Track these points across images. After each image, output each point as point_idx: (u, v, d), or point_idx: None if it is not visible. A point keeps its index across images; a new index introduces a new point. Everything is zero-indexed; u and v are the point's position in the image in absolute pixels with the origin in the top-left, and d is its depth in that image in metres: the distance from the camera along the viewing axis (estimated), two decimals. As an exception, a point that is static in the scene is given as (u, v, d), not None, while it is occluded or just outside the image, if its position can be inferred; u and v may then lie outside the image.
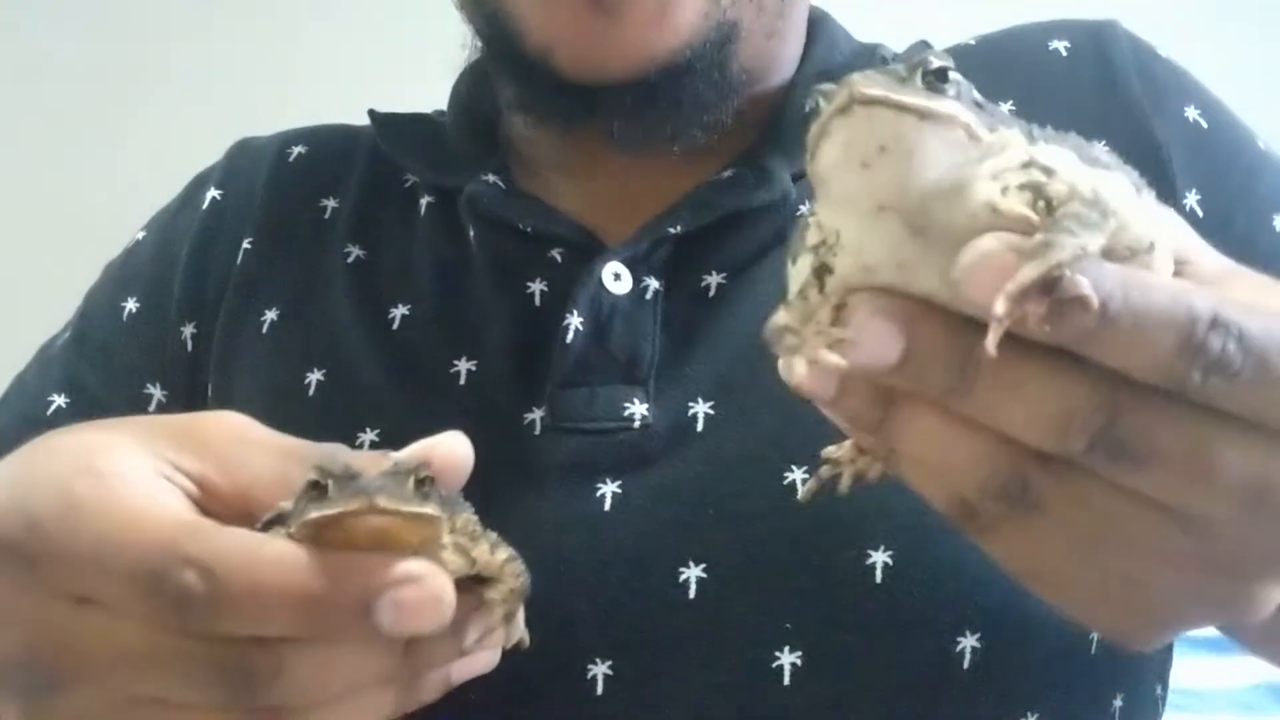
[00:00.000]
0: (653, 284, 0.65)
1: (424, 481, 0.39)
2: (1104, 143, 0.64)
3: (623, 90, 0.63)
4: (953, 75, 0.35)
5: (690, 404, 0.61)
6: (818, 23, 0.77)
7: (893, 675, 0.56)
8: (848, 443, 0.44)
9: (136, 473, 0.40)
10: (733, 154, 0.68)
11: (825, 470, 0.45)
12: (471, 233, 0.68)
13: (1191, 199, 0.66)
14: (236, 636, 0.38)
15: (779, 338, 0.37)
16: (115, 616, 0.38)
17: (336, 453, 0.44)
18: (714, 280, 0.65)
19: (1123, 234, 0.35)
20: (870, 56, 0.73)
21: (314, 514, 0.38)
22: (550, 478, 0.61)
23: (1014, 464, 0.36)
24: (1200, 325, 0.33)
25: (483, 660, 0.45)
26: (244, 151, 0.80)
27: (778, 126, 0.69)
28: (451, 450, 0.46)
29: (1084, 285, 0.32)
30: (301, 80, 1.94)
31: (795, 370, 0.36)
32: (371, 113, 0.76)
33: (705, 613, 0.57)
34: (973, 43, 0.75)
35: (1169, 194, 0.65)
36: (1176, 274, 0.39)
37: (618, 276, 0.65)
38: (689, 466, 0.60)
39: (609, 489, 0.60)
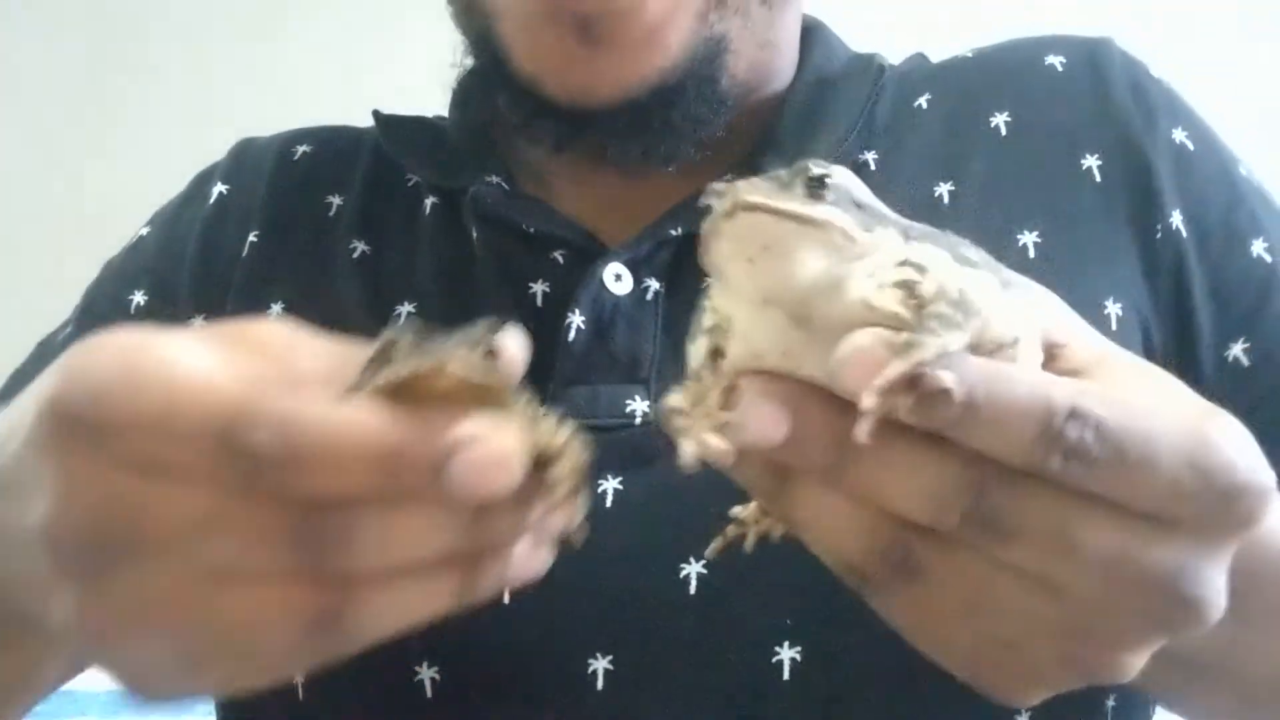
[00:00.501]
0: (654, 285, 0.66)
1: (491, 353, 0.38)
2: (1097, 157, 0.69)
3: (615, 113, 0.64)
4: (831, 182, 0.38)
5: None
6: (812, 30, 0.78)
7: (892, 671, 0.56)
8: (753, 504, 0.47)
9: (197, 348, 0.39)
10: (731, 160, 0.69)
11: (731, 529, 0.48)
12: (474, 233, 0.69)
13: (1177, 218, 0.67)
14: (306, 499, 0.37)
15: (670, 420, 0.40)
16: (183, 484, 0.37)
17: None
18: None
19: (987, 330, 0.38)
20: (866, 65, 0.74)
21: (383, 378, 0.37)
22: None
23: (895, 535, 0.39)
24: (1058, 416, 0.36)
25: (539, 560, 0.43)
26: (248, 149, 0.81)
27: (776, 133, 0.70)
28: (511, 342, 0.44)
29: (946, 379, 0.35)
30: (298, 84, 1.95)
31: (684, 451, 0.38)
32: (376, 113, 0.77)
33: (705, 609, 0.58)
34: (969, 55, 0.77)
35: (1155, 212, 0.67)
36: (1051, 359, 0.42)
37: (619, 277, 0.65)
38: None
39: (610, 485, 0.60)
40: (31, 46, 2.08)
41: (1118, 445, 0.36)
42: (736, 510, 0.47)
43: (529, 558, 0.42)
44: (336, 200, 0.75)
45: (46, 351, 0.76)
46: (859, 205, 0.39)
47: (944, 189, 0.68)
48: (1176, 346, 0.66)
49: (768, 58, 0.71)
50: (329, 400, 0.37)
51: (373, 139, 0.78)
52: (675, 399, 0.41)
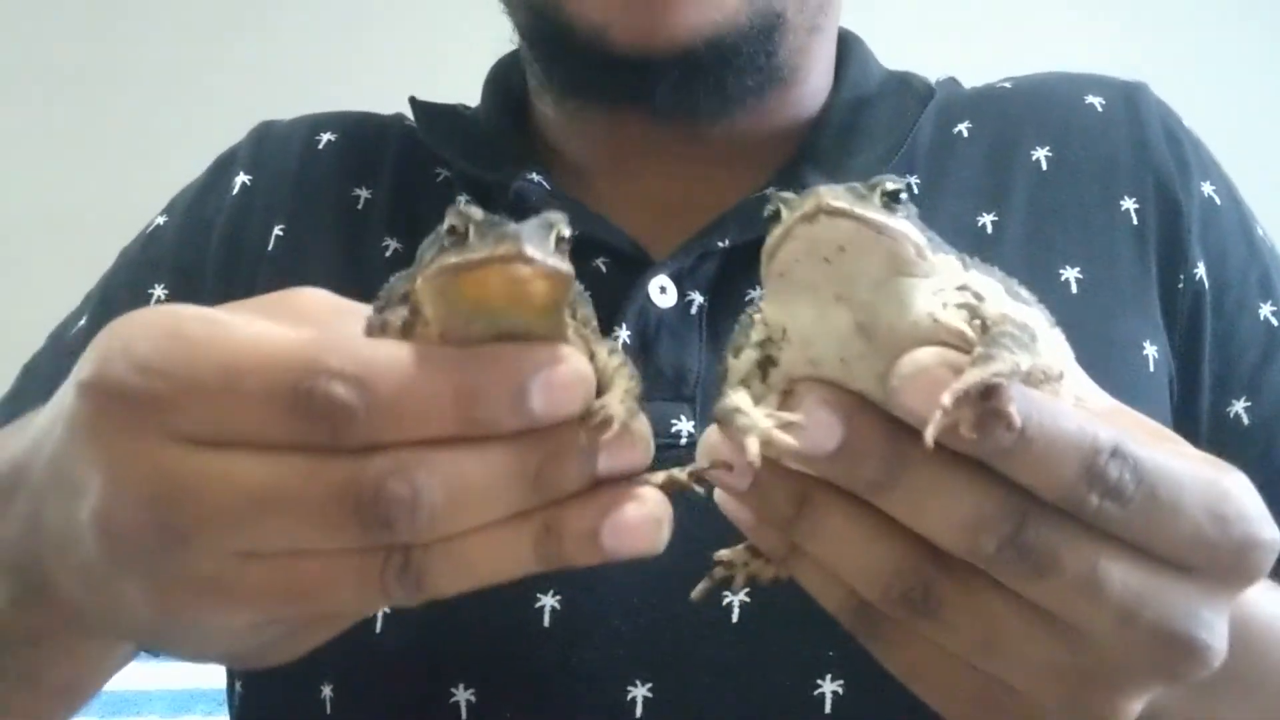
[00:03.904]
0: (698, 298, 0.64)
1: (562, 240, 0.37)
2: (1134, 200, 0.70)
3: (670, 64, 0.64)
4: (904, 197, 0.38)
5: None
6: (848, 42, 0.78)
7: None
8: (740, 546, 0.46)
9: (244, 315, 0.37)
10: (771, 168, 0.69)
11: (718, 572, 0.47)
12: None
13: (1200, 269, 0.69)
14: (374, 461, 0.35)
15: (731, 418, 0.39)
16: (241, 456, 0.35)
17: None
18: (758, 296, 0.65)
19: (1039, 361, 0.38)
20: (902, 85, 0.74)
21: (454, 259, 0.35)
22: None
23: (919, 569, 0.38)
24: (1102, 454, 0.36)
25: (633, 514, 0.38)
26: (269, 134, 0.77)
27: (815, 143, 0.70)
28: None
29: (1010, 404, 0.35)
30: (305, 77, 1.89)
31: (749, 449, 0.37)
32: (413, 100, 0.74)
33: (747, 638, 0.57)
34: (1008, 85, 0.77)
35: (1182, 261, 0.69)
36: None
37: (663, 290, 0.64)
38: None
39: None
40: (25, 44, 1.99)
41: (1151, 488, 0.37)
42: (723, 553, 0.47)
43: (635, 522, 0.38)
44: (365, 193, 0.72)
45: (60, 345, 0.72)
46: (922, 229, 0.39)
47: (987, 219, 0.68)
48: (1181, 395, 0.68)
49: (815, 45, 0.71)
50: (397, 345, 0.36)
51: (399, 128, 0.75)
52: (737, 398, 0.40)
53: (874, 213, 0.37)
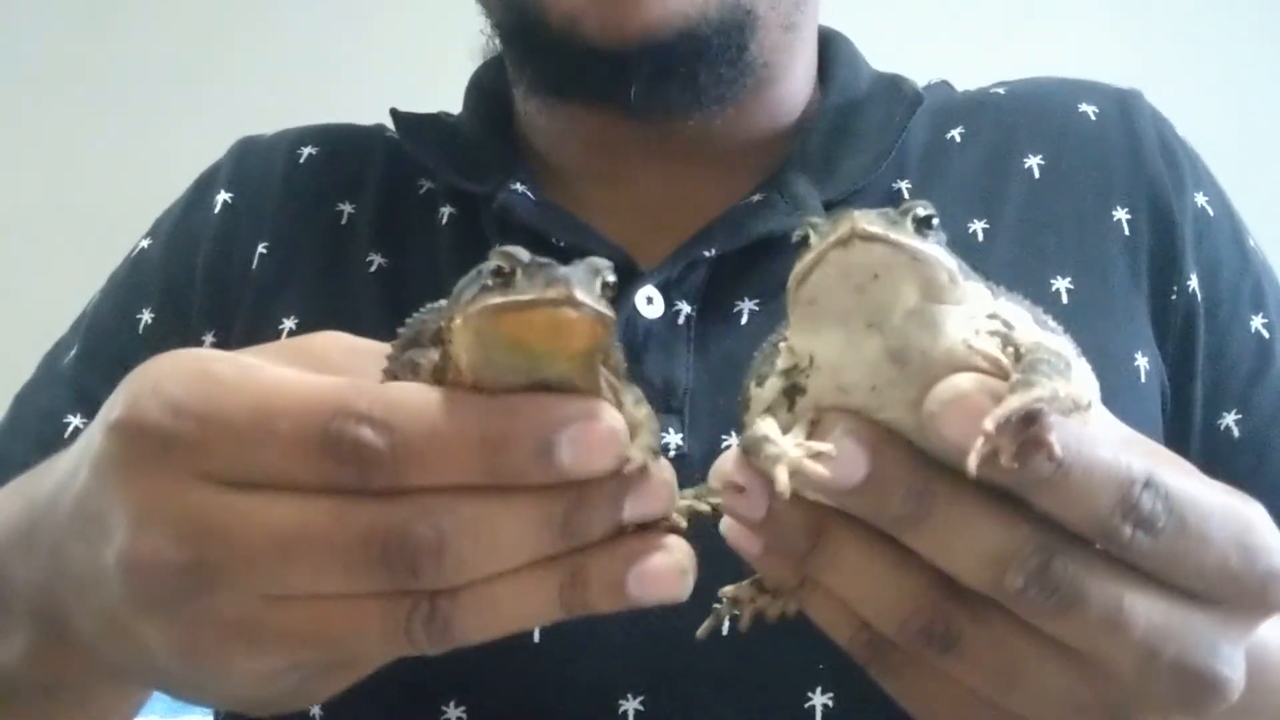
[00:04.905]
0: (685, 308, 0.64)
1: (607, 286, 0.37)
2: (1126, 210, 0.69)
3: (642, 56, 0.64)
4: (935, 223, 0.38)
5: (724, 436, 0.60)
6: (833, 42, 0.77)
7: None
8: (746, 582, 0.46)
9: (270, 361, 0.38)
10: (759, 174, 0.68)
11: (724, 608, 0.47)
12: (497, 244, 0.66)
13: (1194, 281, 0.68)
14: (398, 510, 0.35)
15: (759, 447, 0.38)
16: (267, 498, 0.35)
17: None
18: (746, 307, 0.64)
19: (1072, 389, 0.38)
20: (894, 88, 0.73)
21: (499, 299, 0.35)
22: None
23: (938, 605, 0.38)
24: (1137, 485, 0.36)
25: (659, 563, 0.38)
26: (250, 151, 0.76)
27: (803, 148, 0.69)
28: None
29: (1051, 432, 0.34)
30: (306, 79, 1.89)
31: (779, 479, 0.37)
32: (394, 112, 0.73)
33: (738, 650, 0.56)
34: (1001, 91, 0.76)
35: (1174, 273, 0.68)
36: None
37: (650, 300, 0.64)
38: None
39: None
40: (26, 44, 1.98)
41: (1181, 518, 0.36)
42: (728, 589, 0.46)
43: (661, 571, 0.38)
44: (349, 208, 0.72)
45: (53, 375, 0.71)
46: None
47: (978, 226, 0.68)
48: (1173, 408, 0.67)
49: (791, 42, 0.71)
50: (426, 390, 0.36)
51: (383, 139, 0.75)
52: (765, 426, 0.39)
53: (908, 238, 0.37)
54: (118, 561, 0.36)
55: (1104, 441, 0.36)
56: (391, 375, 0.40)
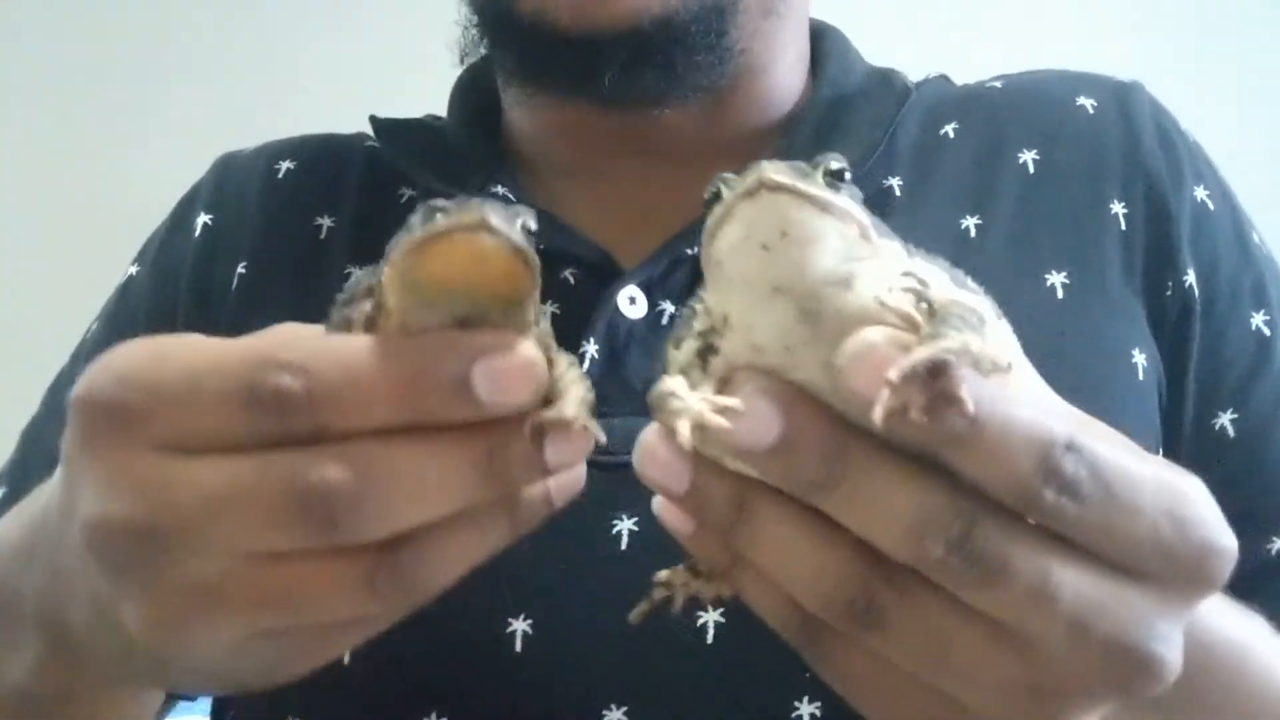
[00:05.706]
0: (669, 308, 0.63)
1: (529, 231, 0.37)
2: (1123, 205, 0.68)
3: (617, 43, 0.63)
4: (848, 177, 0.37)
5: None
6: (825, 36, 0.76)
7: None
8: (680, 566, 0.45)
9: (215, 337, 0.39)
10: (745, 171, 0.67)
11: (658, 593, 0.45)
12: None
13: (1191, 276, 0.67)
14: (315, 457, 0.35)
15: (664, 402, 0.37)
16: (206, 459, 0.36)
17: None
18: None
19: (988, 348, 0.36)
20: (887, 83, 0.72)
21: (418, 234, 0.36)
22: (565, 513, 0.58)
23: (862, 578, 0.37)
24: (1057, 447, 0.34)
25: (574, 476, 0.41)
26: (229, 168, 0.76)
27: (791, 145, 0.68)
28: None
29: (962, 386, 0.33)
30: (302, 81, 1.90)
31: (680, 432, 0.36)
32: (373, 119, 0.73)
33: (723, 658, 0.55)
34: (998, 85, 0.75)
35: (1171, 268, 0.66)
36: None
37: (633, 300, 0.63)
38: None
39: (625, 526, 0.57)
40: (43, 47, 2.00)
41: (1108, 485, 0.35)
42: (662, 574, 0.45)
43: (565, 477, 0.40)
44: (327, 222, 0.71)
45: (58, 411, 0.71)
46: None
47: (971, 222, 0.66)
48: (1167, 405, 0.66)
49: (771, 29, 0.69)
50: (346, 337, 0.37)
51: (364, 148, 0.74)
52: (671, 383, 0.38)
53: (818, 189, 0.36)
54: (80, 530, 0.37)
55: (1022, 401, 0.35)
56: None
